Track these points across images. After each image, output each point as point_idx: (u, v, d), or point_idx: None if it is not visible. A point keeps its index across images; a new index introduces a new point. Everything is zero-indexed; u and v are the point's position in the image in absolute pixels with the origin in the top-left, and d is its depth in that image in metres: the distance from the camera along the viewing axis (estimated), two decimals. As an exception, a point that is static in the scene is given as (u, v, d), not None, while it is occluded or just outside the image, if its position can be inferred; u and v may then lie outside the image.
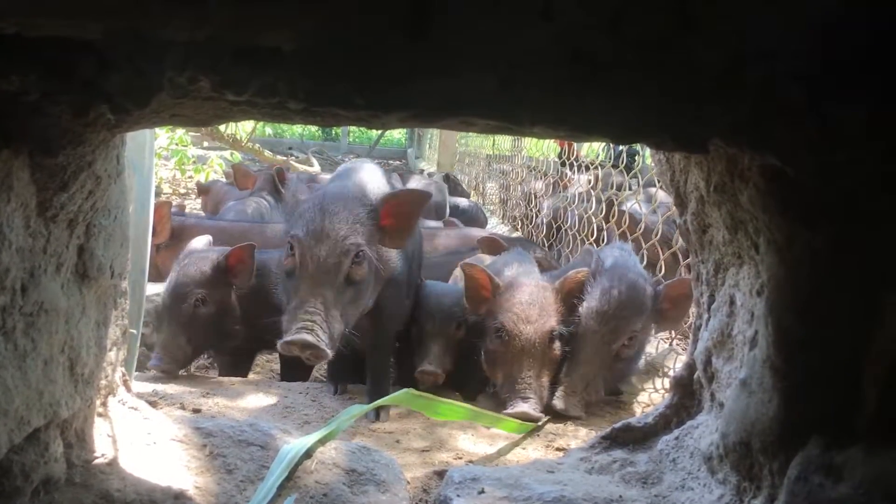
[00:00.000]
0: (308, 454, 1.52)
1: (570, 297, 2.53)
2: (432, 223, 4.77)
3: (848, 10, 0.87)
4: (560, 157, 5.93)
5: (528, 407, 2.28)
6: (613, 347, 2.45)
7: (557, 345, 2.44)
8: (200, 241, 2.81)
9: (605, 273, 2.59)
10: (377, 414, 2.30)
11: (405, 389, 2.06)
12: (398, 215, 2.28)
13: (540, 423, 2.27)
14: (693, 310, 1.61)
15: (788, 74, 0.91)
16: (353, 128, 14.02)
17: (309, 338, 1.97)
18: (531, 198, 5.93)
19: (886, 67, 0.88)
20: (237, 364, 2.87)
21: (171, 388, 2.41)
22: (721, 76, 0.93)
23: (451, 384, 2.63)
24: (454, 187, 7.24)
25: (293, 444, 1.51)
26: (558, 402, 2.36)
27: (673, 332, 3.16)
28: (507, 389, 2.37)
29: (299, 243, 2.13)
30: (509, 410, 2.27)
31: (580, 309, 2.48)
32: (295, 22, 0.90)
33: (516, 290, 2.51)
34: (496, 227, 6.58)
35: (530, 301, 2.46)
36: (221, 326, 2.62)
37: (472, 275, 2.56)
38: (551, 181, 5.64)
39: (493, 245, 3.59)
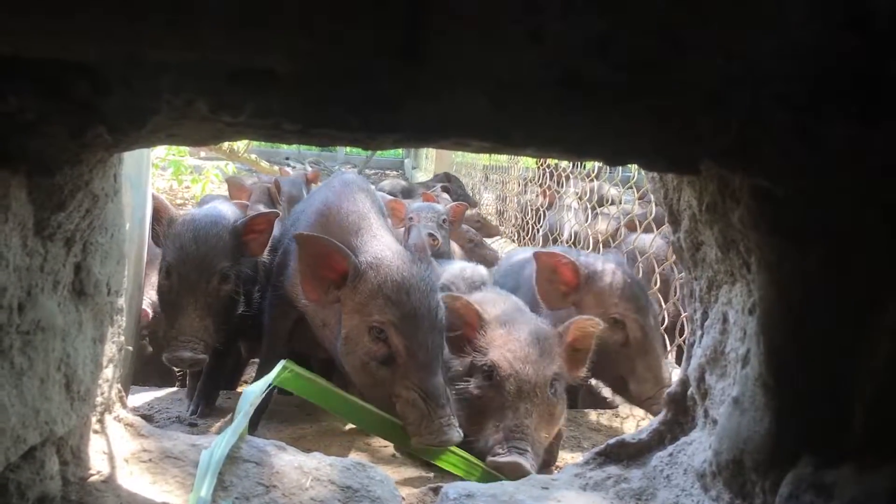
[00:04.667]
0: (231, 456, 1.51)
1: (573, 348, 2.13)
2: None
3: (831, 35, 0.88)
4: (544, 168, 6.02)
5: (524, 461, 1.85)
6: None
7: (561, 397, 2.04)
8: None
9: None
10: None
11: (284, 364, 1.93)
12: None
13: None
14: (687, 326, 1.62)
15: (775, 97, 0.93)
16: (350, 138, 13.99)
17: (455, 438, 1.89)
18: (527, 209, 5.96)
19: (869, 89, 0.90)
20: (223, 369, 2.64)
21: (166, 403, 2.41)
22: (709, 98, 0.95)
23: None
24: (457, 189, 7.23)
25: (212, 446, 1.51)
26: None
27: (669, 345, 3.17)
28: (494, 438, 1.92)
29: (405, 337, 1.95)
30: (499, 459, 1.87)
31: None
32: (288, 45, 0.91)
33: (511, 326, 2.10)
34: (494, 237, 6.59)
35: (529, 340, 2.04)
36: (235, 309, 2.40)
37: (456, 308, 2.14)
38: (548, 193, 5.67)
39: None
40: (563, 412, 2.05)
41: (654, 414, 2.02)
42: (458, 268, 2.96)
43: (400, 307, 1.92)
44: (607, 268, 2.50)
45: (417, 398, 1.88)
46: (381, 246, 2.08)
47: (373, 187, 2.50)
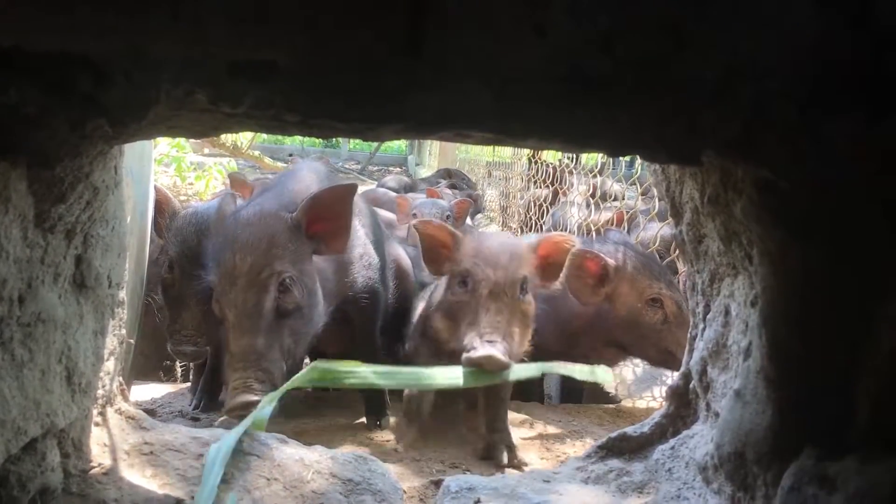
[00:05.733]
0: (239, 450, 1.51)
1: (546, 262, 2.23)
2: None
3: (834, 31, 0.88)
4: (530, 160, 6.06)
5: (496, 350, 1.91)
6: None
7: (530, 298, 2.14)
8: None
9: None
10: (377, 422, 2.30)
11: (312, 365, 1.76)
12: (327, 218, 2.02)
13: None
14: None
15: (779, 92, 0.92)
16: (353, 135, 14.04)
17: (252, 397, 1.73)
18: (530, 205, 5.95)
19: (873, 86, 0.89)
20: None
21: (168, 397, 2.41)
22: (713, 92, 0.94)
23: None
24: (461, 183, 7.22)
25: (220, 441, 1.50)
26: None
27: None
28: (468, 338, 1.98)
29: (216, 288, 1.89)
30: (472, 355, 1.90)
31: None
32: (289, 37, 0.90)
33: (482, 238, 2.26)
34: (496, 234, 6.58)
35: (500, 248, 2.16)
36: None
37: (428, 232, 2.21)
38: (551, 188, 5.67)
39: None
40: (532, 312, 2.15)
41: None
42: None
43: (221, 266, 1.88)
44: (628, 254, 2.60)
45: (228, 360, 1.79)
46: (252, 204, 2.03)
47: (324, 169, 2.44)
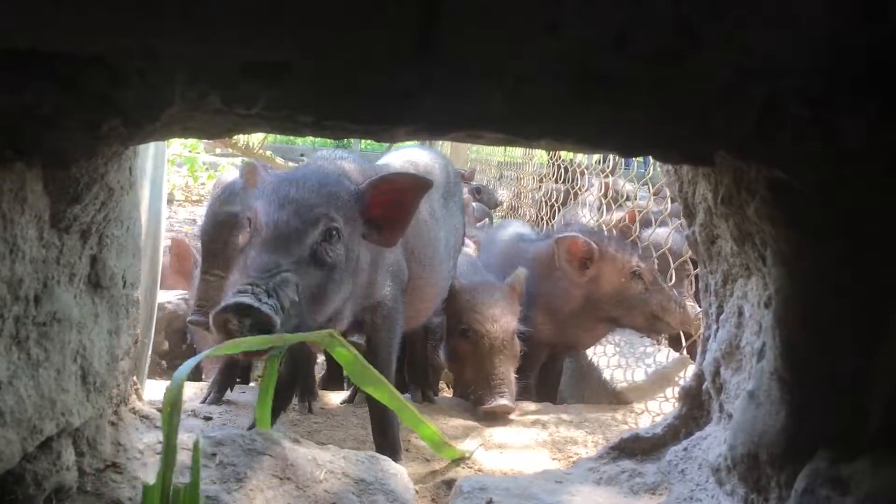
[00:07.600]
0: None
1: (521, 296, 2.80)
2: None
3: (848, 28, 0.87)
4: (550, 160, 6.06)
5: (506, 400, 2.46)
6: None
7: (517, 342, 2.64)
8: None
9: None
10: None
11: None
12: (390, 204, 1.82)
13: (466, 455, 2.03)
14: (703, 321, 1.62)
15: (792, 90, 0.92)
16: (364, 135, 13.99)
17: (246, 299, 1.47)
18: (541, 205, 5.94)
19: (885, 82, 0.89)
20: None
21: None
22: (726, 91, 0.94)
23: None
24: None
25: None
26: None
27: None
28: (481, 387, 2.52)
29: (256, 214, 1.71)
30: (489, 405, 2.44)
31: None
32: (302, 37, 0.91)
33: (476, 290, 2.69)
34: (507, 234, 6.55)
35: (493, 301, 2.64)
36: None
37: None
38: (562, 188, 5.65)
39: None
40: (519, 352, 2.66)
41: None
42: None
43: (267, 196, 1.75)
44: (605, 238, 3.01)
45: (233, 278, 1.68)
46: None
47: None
